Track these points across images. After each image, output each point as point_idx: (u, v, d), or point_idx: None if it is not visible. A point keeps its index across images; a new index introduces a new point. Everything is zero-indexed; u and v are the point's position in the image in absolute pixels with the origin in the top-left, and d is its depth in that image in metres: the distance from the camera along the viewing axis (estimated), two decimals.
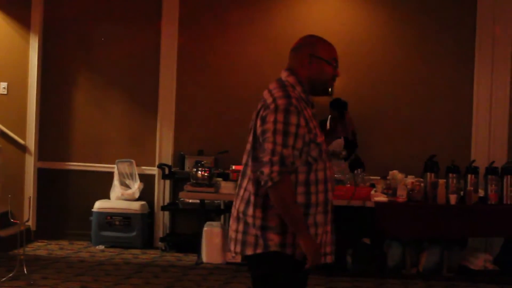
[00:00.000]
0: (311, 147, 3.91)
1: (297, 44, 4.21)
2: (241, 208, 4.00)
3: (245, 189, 4.01)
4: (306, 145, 3.89)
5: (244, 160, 4.08)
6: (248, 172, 4.00)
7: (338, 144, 9.23)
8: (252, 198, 3.95)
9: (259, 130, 3.91)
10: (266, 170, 3.83)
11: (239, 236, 4.00)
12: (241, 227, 3.99)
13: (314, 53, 4.08)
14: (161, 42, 10.60)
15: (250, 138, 4.01)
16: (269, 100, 3.93)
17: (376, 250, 9.06)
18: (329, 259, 4.05)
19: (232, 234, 4.05)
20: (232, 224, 4.06)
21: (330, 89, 4.10)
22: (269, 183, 3.83)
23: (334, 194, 4.13)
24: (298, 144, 3.86)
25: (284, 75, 4.08)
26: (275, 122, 3.85)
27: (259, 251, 3.94)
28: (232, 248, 4.05)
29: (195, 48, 10.64)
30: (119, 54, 10.71)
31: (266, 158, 3.84)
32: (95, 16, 10.72)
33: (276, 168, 3.81)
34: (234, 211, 4.07)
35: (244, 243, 3.97)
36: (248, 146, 4.04)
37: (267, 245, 3.92)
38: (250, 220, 3.95)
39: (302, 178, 3.93)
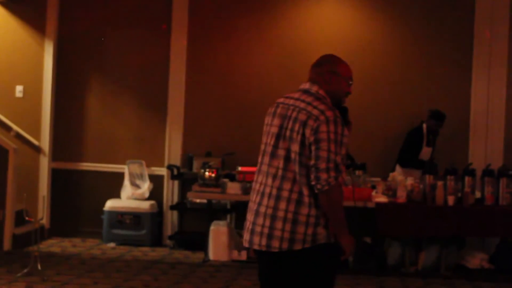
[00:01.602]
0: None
1: (319, 61, 4.55)
2: (282, 206, 4.29)
3: (281, 189, 4.31)
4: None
5: (266, 161, 4.40)
6: (287, 175, 4.30)
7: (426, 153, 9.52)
8: (306, 199, 4.26)
9: (311, 139, 4.23)
10: (324, 175, 4.17)
11: (286, 234, 4.27)
12: (288, 226, 4.27)
13: (334, 71, 4.44)
14: (170, 48, 10.70)
15: (286, 145, 4.32)
16: (315, 111, 4.27)
17: (376, 249, 9.16)
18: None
19: (264, 230, 4.32)
20: (262, 220, 4.34)
21: (342, 103, 4.49)
22: (326, 187, 4.17)
23: None
24: (343, 151, 4.26)
25: (314, 88, 4.44)
26: (328, 132, 4.21)
27: (307, 245, 4.26)
28: (263, 242, 4.32)
29: (203, 53, 10.74)
30: (131, 59, 10.82)
31: (323, 165, 4.18)
32: (107, 23, 10.83)
33: (332, 173, 4.17)
34: (262, 209, 4.36)
35: (292, 240, 4.26)
36: (270, 149, 4.39)
37: (316, 239, 4.26)
38: (303, 218, 4.26)
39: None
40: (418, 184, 8.97)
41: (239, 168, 9.65)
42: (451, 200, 8.79)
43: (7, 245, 9.51)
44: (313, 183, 4.22)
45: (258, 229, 4.36)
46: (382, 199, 8.87)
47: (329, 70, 4.44)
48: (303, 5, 10.66)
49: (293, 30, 10.68)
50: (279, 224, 4.29)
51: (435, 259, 9.04)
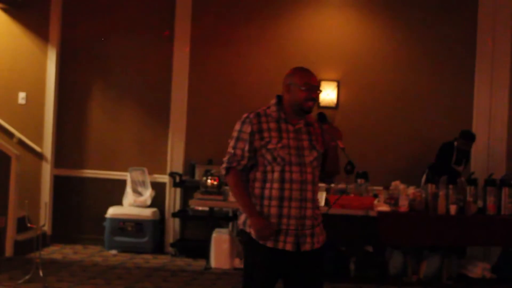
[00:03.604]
0: (262, 151, 4.73)
1: (285, 75, 4.96)
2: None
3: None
4: (259, 149, 4.74)
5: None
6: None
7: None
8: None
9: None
10: (222, 165, 4.88)
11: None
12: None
13: (291, 82, 4.86)
14: (173, 56, 10.74)
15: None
16: None
17: (378, 258, 9.17)
18: (287, 246, 4.72)
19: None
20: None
21: (307, 108, 4.82)
22: (224, 175, 4.90)
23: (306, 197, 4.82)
24: (240, 145, 4.78)
25: (272, 100, 4.94)
26: (233, 131, 4.84)
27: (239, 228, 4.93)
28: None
29: (206, 61, 10.78)
30: (133, 66, 10.86)
31: (224, 158, 4.87)
32: (110, 30, 10.86)
33: (225, 164, 4.84)
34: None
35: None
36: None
37: (240, 224, 4.88)
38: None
39: (259, 176, 4.77)
40: (420, 193, 8.96)
41: None
42: (453, 209, 8.78)
43: (9, 251, 9.52)
44: None
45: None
46: (384, 208, 8.86)
47: (287, 82, 4.89)
48: (305, 13, 10.70)
49: (295, 38, 10.73)
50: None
51: (436, 268, 9.06)
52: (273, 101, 4.91)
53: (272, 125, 4.80)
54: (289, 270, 4.78)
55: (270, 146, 4.73)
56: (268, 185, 4.74)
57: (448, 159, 9.84)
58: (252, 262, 4.81)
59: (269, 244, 4.71)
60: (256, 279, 4.75)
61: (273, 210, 4.73)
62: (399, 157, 10.46)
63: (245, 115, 4.83)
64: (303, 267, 4.78)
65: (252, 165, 4.80)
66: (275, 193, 4.72)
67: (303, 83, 4.81)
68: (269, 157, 4.73)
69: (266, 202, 4.74)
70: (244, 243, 4.89)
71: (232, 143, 4.82)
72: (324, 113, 4.73)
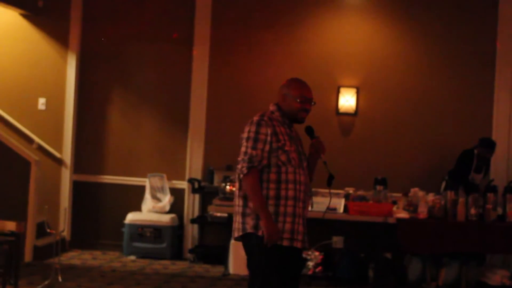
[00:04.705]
0: (279, 152, 5.00)
1: (281, 85, 5.31)
2: (235, 202, 5.19)
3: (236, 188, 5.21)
4: (274, 151, 4.99)
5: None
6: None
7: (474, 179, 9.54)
8: (236, 192, 5.18)
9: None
10: (238, 166, 5.06)
11: (234, 224, 5.18)
12: (235, 217, 5.17)
13: (287, 93, 5.21)
14: (192, 62, 10.76)
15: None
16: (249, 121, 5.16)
17: (397, 265, 9.11)
18: (299, 244, 5.06)
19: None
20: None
21: (300, 119, 5.20)
22: (241, 176, 5.05)
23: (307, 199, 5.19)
24: (260, 145, 5.00)
25: (271, 106, 5.26)
26: (248, 132, 5.06)
27: (240, 233, 5.14)
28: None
29: (225, 67, 10.79)
30: (153, 72, 10.90)
31: (239, 158, 5.09)
32: (130, 37, 10.91)
33: (245, 164, 5.01)
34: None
35: (234, 229, 5.20)
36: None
37: (245, 228, 5.06)
38: (237, 209, 5.16)
39: (273, 176, 5.02)
40: (440, 200, 8.90)
41: None
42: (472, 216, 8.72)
43: (28, 256, 9.57)
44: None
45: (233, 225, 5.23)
46: (403, 214, 8.79)
47: (282, 93, 5.23)
48: (324, 19, 10.69)
49: (314, 44, 10.72)
50: (235, 217, 5.19)
51: (455, 275, 9.05)
52: (274, 107, 5.23)
53: (282, 129, 5.11)
54: (293, 267, 5.13)
55: (286, 148, 5.02)
56: (283, 185, 5.01)
57: (468, 166, 9.79)
58: (268, 264, 4.99)
59: (285, 243, 4.99)
60: (273, 280, 4.97)
61: (290, 210, 5.01)
62: (418, 164, 10.42)
63: (258, 118, 5.07)
64: (295, 265, 5.17)
65: (265, 167, 5.03)
66: (291, 193, 5.02)
67: (299, 95, 5.16)
68: (284, 158, 5.01)
69: (282, 202, 5.00)
70: (256, 246, 5.02)
71: (250, 144, 5.01)
72: (312, 126, 5.01)
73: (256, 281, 5.05)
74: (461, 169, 9.83)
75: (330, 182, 5.25)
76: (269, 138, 5.01)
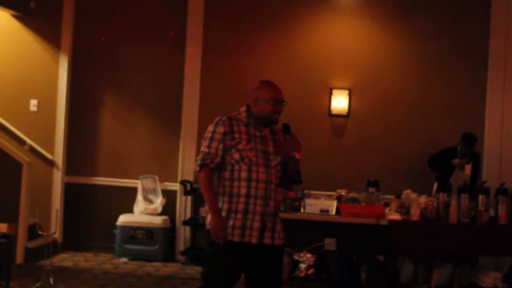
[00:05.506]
0: (232, 151, 5.20)
1: (252, 88, 5.43)
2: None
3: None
4: (228, 149, 5.20)
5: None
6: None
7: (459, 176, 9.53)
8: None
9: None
10: (196, 163, 5.26)
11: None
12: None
13: (258, 96, 5.35)
14: (185, 63, 10.75)
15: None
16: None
17: (389, 267, 9.11)
18: (253, 240, 5.20)
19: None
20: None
21: (274, 120, 5.33)
22: (196, 173, 5.25)
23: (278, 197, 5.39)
24: (214, 144, 5.22)
25: (241, 108, 5.43)
26: (206, 132, 5.29)
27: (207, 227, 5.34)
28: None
29: (217, 68, 10.77)
30: (145, 73, 10.87)
31: (198, 156, 5.27)
32: (122, 38, 10.89)
33: (199, 162, 5.23)
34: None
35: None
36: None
37: (207, 223, 5.31)
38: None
39: (227, 174, 5.22)
40: (432, 202, 8.93)
41: None
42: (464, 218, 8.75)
43: (19, 258, 9.52)
44: None
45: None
46: (396, 216, 8.83)
47: (254, 96, 5.38)
48: (317, 21, 10.68)
49: (307, 46, 10.71)
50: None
51: (448, 277, 9.02)
52: (243, 108, 5.41)
53: (242, 129, 5.31)
54: (252, 264, 5.23)
55: (239, 146, 5.22)
56: (236, 183, 5.21)
57: (446, 158, 9.75)
58: (219, 260, 5.20)
59: (236, 238, 5.17)
60: (221, 276, 5.18)
61: (241, 207, 5.19)
62: (411, 166, 10.41)
63: (217, 118, 5.32)
64: (265, 261, 5.26)
65: (221, 165, 5.23)
66: (243, 191, 5.20)
67: (270, 98, 5.31)
68: (237, 156, 5.20)
69: (234, 199, 5.19)
70: (211, 243, 5.22)
71: (206, 143, 5.24)
72: (288, 124, 5.12)
73: (206, 273, 5.29)
74: (441, 154, 9.81)
75: (295, 179, 5.34)
76: (223, 137, 5.22)
